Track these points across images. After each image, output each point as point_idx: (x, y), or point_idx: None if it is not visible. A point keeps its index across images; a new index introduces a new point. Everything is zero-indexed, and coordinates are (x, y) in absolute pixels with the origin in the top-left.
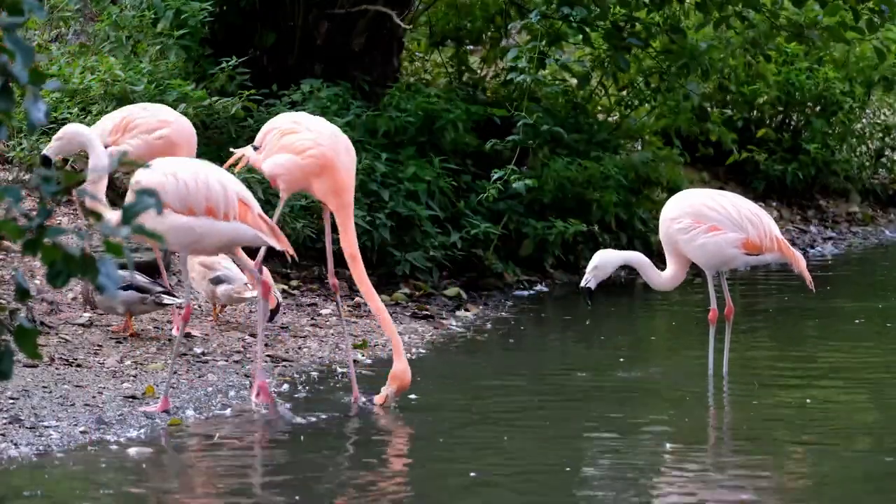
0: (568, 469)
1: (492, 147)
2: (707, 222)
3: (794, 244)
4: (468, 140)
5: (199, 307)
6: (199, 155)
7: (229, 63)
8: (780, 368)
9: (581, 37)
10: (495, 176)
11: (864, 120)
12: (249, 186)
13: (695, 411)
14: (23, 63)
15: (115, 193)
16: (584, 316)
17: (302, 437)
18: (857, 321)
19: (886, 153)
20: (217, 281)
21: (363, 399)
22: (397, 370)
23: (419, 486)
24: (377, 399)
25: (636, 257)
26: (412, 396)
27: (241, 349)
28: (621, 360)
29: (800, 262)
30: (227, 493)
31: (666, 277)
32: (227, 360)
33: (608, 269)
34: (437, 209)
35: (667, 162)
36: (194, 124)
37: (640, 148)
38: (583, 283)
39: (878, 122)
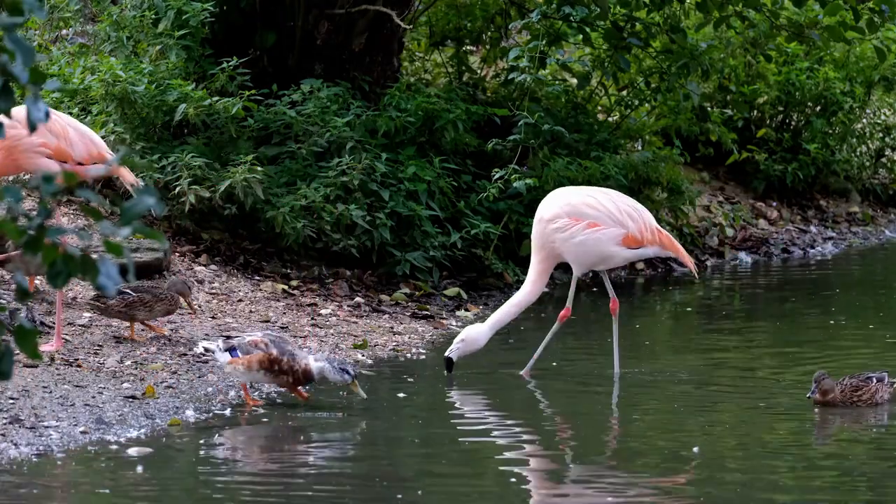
0: (570, 468)
1: (493, 147)
2: (585, 219)
3: (794, 244)
4: (468, 140)
5: (200, 306)
6: (200, 155)
7: (230, 63)
8: (781, 367)
9: (581, 37)
10: (496, 175)
11: (864, 120)
12: (250, 186)
13: (695, 412)
14: (23, 63)
15: (115, 193)
16: (584, 316)
17: (301, 437)
18: (856, 321)
19: (886, 153)
20: None
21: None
22: None
23: (419, 485)
24: None
25: (498, 318)
26: (402, 395)
27: None
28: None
29: (681, 253)
30: (226, 493)
31: (529, 290)
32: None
33: (477, 344)
34: (437, 209)
35: (667, 162)
36: (195, 125)
37: (640, 148)
38: (447, 353)
39: (878, 122)
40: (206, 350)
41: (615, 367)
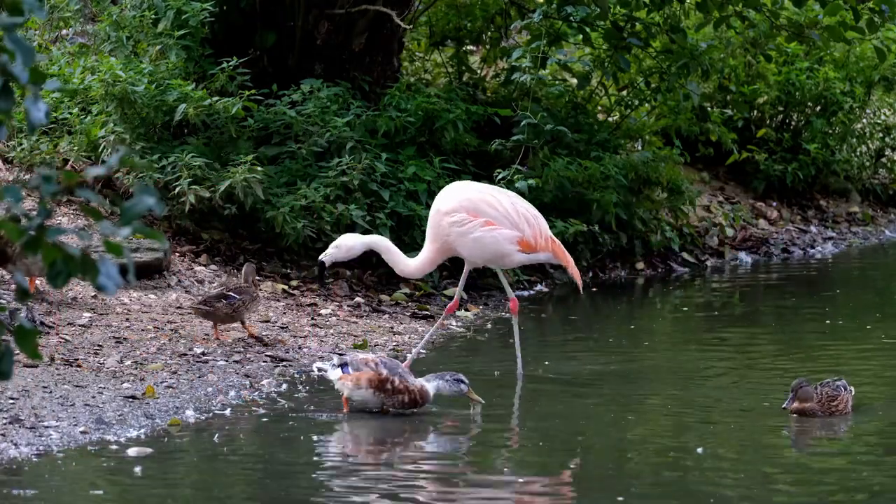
0: (571, 467)
1: (495, 147)
2: (482, 217)
3: (794, 244)
4: (468, 140)
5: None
6: (200, 155)
7: (230, 63)
8: (781, 367)
9: (581, 37)
10: (500, 176)
11: (864, 120)
12: (250, 186)
13: (696, 412)
14: (23, 63)
15: (115, 193)
16: (585, 316)
17: (301, 437)
18: (855, 321)
19: (886, 153)
20: None
21: None
22: None
23: (418, 485)
24: None
25: (380, 242)
26: None
27: (241, 349)
28: (621, 360)
29: (570, 264)
30: (226, 493)
31: (413, 265)
32: (227, 360)
33: (350, 252)
34: None
35: (667, 162)
36: (195, 125)
37: (640, 148)
38: (321, 258)
39: (878, 122)
40: (321, 370)
41: (518, 366)
